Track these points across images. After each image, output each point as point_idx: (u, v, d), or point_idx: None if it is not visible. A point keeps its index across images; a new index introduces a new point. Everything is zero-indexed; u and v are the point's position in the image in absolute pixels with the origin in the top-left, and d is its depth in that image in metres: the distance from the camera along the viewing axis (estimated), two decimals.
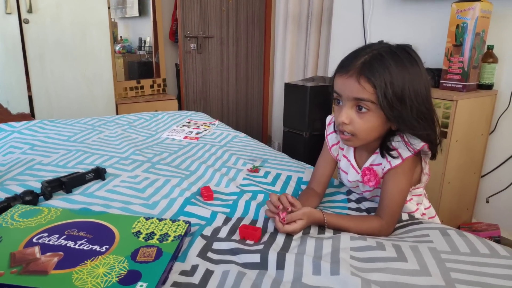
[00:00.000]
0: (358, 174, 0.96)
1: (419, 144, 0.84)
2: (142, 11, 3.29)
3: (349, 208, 0.99)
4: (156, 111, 2.92)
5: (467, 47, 1.69)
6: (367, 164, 0.94)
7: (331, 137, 1.03)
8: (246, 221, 0.88)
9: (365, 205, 0.99)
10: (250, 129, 3.55)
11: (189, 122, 1.79)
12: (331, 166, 1.04)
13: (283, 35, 3.21)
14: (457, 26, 1.71)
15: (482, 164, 1.90)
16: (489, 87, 1.80)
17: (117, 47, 3.29)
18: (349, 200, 1.02)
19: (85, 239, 0.76)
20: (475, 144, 1.82)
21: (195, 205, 0.96)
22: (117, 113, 2.74)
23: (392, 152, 0.85)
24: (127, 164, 1.26)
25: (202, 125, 1.74)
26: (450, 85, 1.76)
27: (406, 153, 0.84)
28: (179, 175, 1.17)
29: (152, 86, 3.13)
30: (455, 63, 1.74)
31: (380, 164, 0.90)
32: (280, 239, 0.79)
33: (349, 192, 1.06)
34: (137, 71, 3.44)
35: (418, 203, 1.01)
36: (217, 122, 1.82)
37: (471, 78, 1.73)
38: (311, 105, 2.37)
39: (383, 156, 0.88)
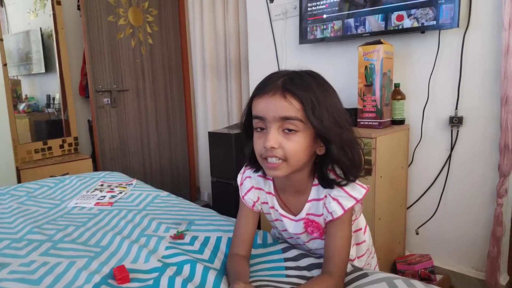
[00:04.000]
0: (298, 223, 0.88)
1: (361, 191, 0.79)
2: (48, 67, 3.05)
3: (287, 268, 0.89)
4: (67, 173, 2.63)
5: (377, 86, 1.78)
6: (303, 214, 0.86)
7: (249, 196, 0.92)
8: None
9: (305, 261, 0.90)
10: (177, 182, 3.36)
11: (101, 185, 1.59)
12: (253, 222, 0.94)
13: (203, 84, 3.17)
14: (366, 67, 1.80)
15: (406, 196, 1.96)
16: (401, 122, 1.90)
17: (22, 106, 2.98)
18: (286, 259, 0.93)
19: None
20: (397, 177, 1.87)
21: None
22: (19, 181, 2.40)
23: (332, 180, 0.79)
24: (21, 247, 1.03)
25: (117, 187, 1.55)
26: (367, 123, 1.82)
27: (348, 203, 0.79)
28: (87, 254, 0.98)
29: (62, 146, 2.84)
30: (369, 102, 1.81)
31: (321, 215, 0.84)
32: None
33: (284, 250, 0.96)
34: (45, 130, 3.12)
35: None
36: (134, 181, 1.64)
37: (385, 115, 1.81)
38: (237, 152, 2.30)
39: (325, 186, 0.81)
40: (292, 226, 0.89)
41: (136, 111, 3.05)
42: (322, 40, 2.15)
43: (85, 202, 1.38)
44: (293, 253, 0.95)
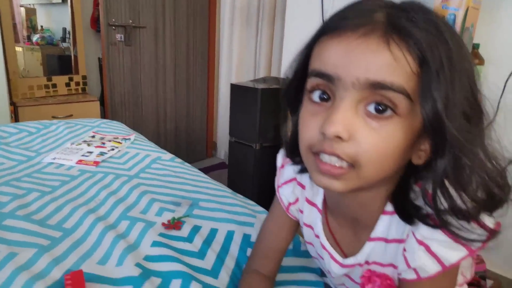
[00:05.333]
0: (348, 269, 0.51)
1: (481, 234, 0.38)
2: None
3: None
4: (71, 115, 2.36)
5: None
6: (360, 258, 0.48)
7: (285, 190, 0.57)
8: None
9: None
10: (192, 136, 3.07)
11: (93, 137, 1.28)
12: (287, 231, 0.59)
13: (230, 30, 2.78)
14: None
15: None
16: None
17: (35, 38, 2.71)
18: (327, 286, 0.61)
19: None
20: None
21: None
22: (16, 119, 2.14)
23: (417, 208, 0.41)
24: None
25: (110, 141, 1.24)
26: None
27: (454, 255, 0.40)
28: (39, 242, 0.68)
29: (68, 85, 2.54)
30: None
31: (392, 266, 0.46)
32: None
33: (324, 273, 0.64)
34: (58, 66, 2.86)
35: None
36: (133, 136, 1.32)
37: None
38: (262, 111, 1.95)
39: (404, 218, 0.42)
40: (336, 269, 0.52)
41: (152, 53, 2.70)
42: None
43: (65, 157, 1.07)
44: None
